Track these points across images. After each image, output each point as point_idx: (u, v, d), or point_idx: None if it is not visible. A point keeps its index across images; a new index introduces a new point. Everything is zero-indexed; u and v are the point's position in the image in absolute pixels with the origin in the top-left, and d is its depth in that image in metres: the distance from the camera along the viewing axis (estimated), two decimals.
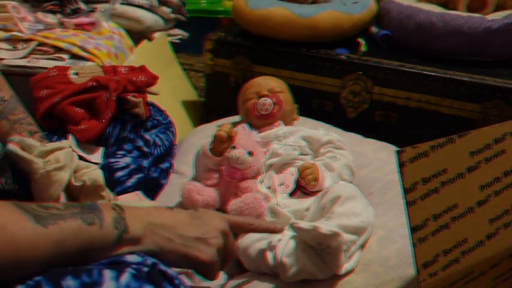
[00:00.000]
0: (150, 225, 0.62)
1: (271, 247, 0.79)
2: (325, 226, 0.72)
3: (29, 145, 0.83)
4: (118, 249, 0.60)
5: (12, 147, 0.82)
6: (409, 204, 0.57)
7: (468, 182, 0.61)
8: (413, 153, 0.57)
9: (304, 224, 0.73)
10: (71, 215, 0.56)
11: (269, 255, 0.78)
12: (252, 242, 0.82)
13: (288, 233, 0.80)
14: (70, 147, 0.90)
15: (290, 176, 0.96)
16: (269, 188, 0.94)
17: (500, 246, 0.63)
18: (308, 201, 0.90)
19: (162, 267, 0.59)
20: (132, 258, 0.58)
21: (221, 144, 0.97)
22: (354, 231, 0.78)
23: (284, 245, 0.77)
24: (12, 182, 0.82)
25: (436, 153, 0.58)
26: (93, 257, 0.57)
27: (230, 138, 0.97)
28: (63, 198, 0.83)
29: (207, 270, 0.67)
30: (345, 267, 0.76)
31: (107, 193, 0.88)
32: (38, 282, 0.50)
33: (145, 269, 0.57)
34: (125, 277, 0.53)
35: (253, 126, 1.10)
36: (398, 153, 0.56)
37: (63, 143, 0.88)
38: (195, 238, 0.64)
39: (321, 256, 0.75)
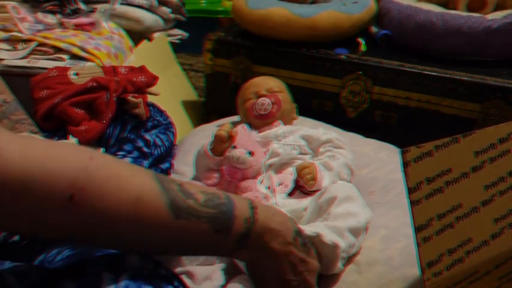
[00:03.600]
0: (265, 247, 0.61)
1: None
2: (328, 235, 0.72)
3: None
4: (230, 255, 0.61)
5: None
6: (413, 203, 0.57)
7: (473, 181, 0.61)
8: (418, 153, 0.57)
9: (307, 230, 0.73)
10: (205, 215, 0.54)
11: None
12: None
13: None
14: None
15: (289, 175, 0.95)
16: (268, 188, 0.94)
17: (505, 245, 0.63)
18: (306, 201, 0.90)
19: (162, 270, 0.59)
20: (131, 262, 0.58)
21: (221, 144, 0.96)
22: (351, 232, 0.78)
23: None
24: None
25: (441, 152, 0.58)
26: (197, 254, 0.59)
27: (230, 138, 0.97)
28: None
29: None
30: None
31: None
32: (36, 283, 0.50)
33: (144, 272, 0.56)
34: (124, 279, 0.53)
35: (252, 126, 1.10)
36: (403, 152, 0.56)
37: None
38: (285, 280, 0.64)
39: None
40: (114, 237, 0.51)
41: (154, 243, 0.54)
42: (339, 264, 0.75)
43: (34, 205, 0.45)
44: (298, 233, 0.66)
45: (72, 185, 0.45)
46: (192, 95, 1.77)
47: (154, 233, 0.52)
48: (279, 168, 0.97)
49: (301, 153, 1.00)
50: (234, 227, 0.57)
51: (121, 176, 0.50)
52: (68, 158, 0.47)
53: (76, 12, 1.43)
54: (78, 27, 1.42)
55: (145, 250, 0.55)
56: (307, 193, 0.92)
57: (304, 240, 0.66)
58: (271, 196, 0.91)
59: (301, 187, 0.93)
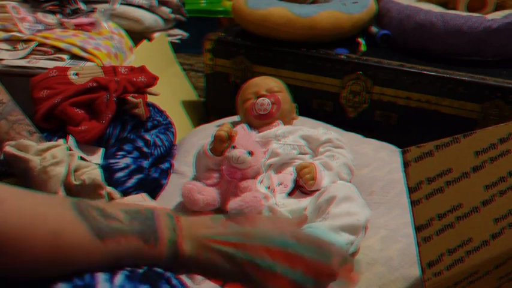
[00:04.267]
0: (201, 245, 0.59)
1: None
2: (324, 237, 0.72)
3: (26, 145, 0.85)
4: (169, 268, 0.58)
5: (9, 148, 0.83)
6: (413, 203, 0.57)
7: (473, 181, 0.61)
8: (418, 153, 0.57)
9: None
10: (130, 229, 0.54)
11: None
12: None
13: None
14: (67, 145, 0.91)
15: (289, 175, 0.96)
16: (268, 187, 0.94)
17: (505, 245, 0.63)
18: (306, 201, 0.90)
19: (160, 269, 0.59)
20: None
21: (221, 144, 0.96)
22: (349, 230, 0.78)
23: None
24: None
25: (441, 152, 0.58)
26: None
27: (230, 138, 0.97)
28: (62, 195, 0.83)
29: None
30: None
31: (108, 192, 0.88)
32: (28, 287, 0.49)
33: (140, 270, 0.56)
34: (119, 278, 0.52)
35: (252, 126, 1.10)
36: (403, 152, 0.56)
37: (59, 142, 0.90)
38: (236, 258, 0.60)
39: None
40: (42, 274, 0.50)
41: (89, 268, 0.52)
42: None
43: None
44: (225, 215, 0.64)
45: None
46: (192, 95, 1.77)
47: (84, 260, 0.51)
48: (279, 168, 0.97)
49: (300, 153, 1.00)
50: (161, 235, 0.56)
51: (35, 215, 0.49)
52: None
53: (76, 12, 1.43)
54: (78, 27, 1.41)
55: (82, 273, 0.53)
56: (306, 193, 0.92)
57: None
58: (271, 196, 0.91)
59: (301, 187, 0.93)
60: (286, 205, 0.90)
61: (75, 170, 0.88)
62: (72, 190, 0.85)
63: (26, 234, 0.47)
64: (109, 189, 0.90)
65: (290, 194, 0.93)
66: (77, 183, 0.85)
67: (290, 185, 0.94)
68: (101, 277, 0.51)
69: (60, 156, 0.85)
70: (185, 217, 0.62)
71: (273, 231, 0.61)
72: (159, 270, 0.58)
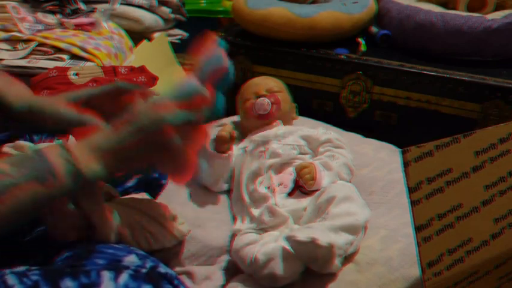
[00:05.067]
0: (98, 152, 0.58)
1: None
2: (323, 237, 0.72)
3: (22, 146, 0.86)
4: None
5: (6, 149, 0.84)
6: (413, 203, 0.57)
7: (473, 181, 0.61)
8: (418, 153, 0.57)
9: (301, 237, 0.73)
10: (24, 179, 0.52)
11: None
12: (242, 245, 0.83)
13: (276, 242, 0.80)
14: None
15: (289, 175, 0.95)
16: (268, 188, 0.94)
17: (505, 245, 0.63)
18: (306, 201, 0.90)
19: (162, 269, 0.59)
20: (131, 261, 0.59)
21: (223, 145, 0.97)
22: (349, 230, 0.78)
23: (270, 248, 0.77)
24: None
25: (441, 152, 0.58)
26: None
27: (232, 138, 0.97)
28: None
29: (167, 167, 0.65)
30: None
31: (104, 191, 0.89)
32: (36, 283, 0.50)
33: (144, 270, 0.57)
34: (123, 278, 0.54)
35: (252, 126, 1.10)
36: (403, 152, 0.56)
37: (56, 142, 0.90)
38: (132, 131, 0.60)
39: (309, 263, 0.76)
40: None
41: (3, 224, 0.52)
42: (337, 263, 0.75)
43: None
44: None
45: None
46: None
47: None
48: (279, 168, 0.98)
49: (300, 153, 1.00)
50: (56, 168, 0.55)
51: None
52: None
53: (76, 12, 1.43)
54: (78, 27, 1.42)
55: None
56: (306, 193, 0.92)
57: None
58: (271, 196, 0.91)
59: (301, 187, 0.93)
60: (286, 205, 0.90)
61: None
62: None
63: None
64: (106, 187, 0.90)
65: (290, 194, 0.93)
66: None
67: (290, 185, 0.94)
68: (106, 276, 0.53)
69: None
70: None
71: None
72: (162, 270, 0.59)
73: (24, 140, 0.97)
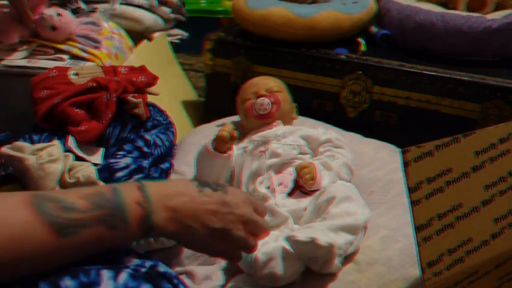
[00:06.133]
0: (175, 215, 0.60)
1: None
2: (323, 237, 0.72)
3: (21, 146, 0.87)
4: (144, 239, 0.64)
5: (5, 150, 0.84)
6: (413, 203, 0.57)
7: (473, 181, 0.61)
8: (418, 153, 0.57)
9: (301, 237, 0.73)
10: (93, 220, 0.52)
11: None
12: None
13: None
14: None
15: (289, 175, 0.95)
16: (268, 188, 0.94)
17: (505, 245, 0.63)
18: (306, 201, 0.90)
19: (161, 268, 0.60)
20: (130, 260, 0.59)
21: (224, 144, 0.97)
22: (349, 230, 0.78)
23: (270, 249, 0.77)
24: None
25: (441, 152, 0.58)
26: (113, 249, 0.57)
27: (232, 138, 0.97)
28: None
29: (229, 258, 0.73)
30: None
31: None
32: (36, 283, 0.50)
33: (144, 269, 0.57)
34: (123, 277, 0.54)
35: (252, 126, 1.10)
36: (403, 152, 0.56)
37: (54, 142, 0.92)
38: (215, 229, 0.63)
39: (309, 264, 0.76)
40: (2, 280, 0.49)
41: (56, 264, 0.52)
42: (337, 263, 0.75)
43: None
44: (203, 183, 0.66)
45: None
46: (192, 95, 1.77)
47: (48, 260, 0.51)
48: (279, 168, 0.98)
49: (300, 153, 1.00)
50: (131, 215, 0.55)
51: None
52: None
53: (76, 12, 1.43)
54: None
55: (51, 270, 0.53)
56: (306, 193, 0.92)
57: (213, 186, 0.67)
58: (271, 196, 0.91)
59: (301, 187, 0.93)
60: (286, 205, 0.90)
61: (70, 169, 0.89)
62: (67, 188, 0.86)
63: None
64: None
65: (290, 194, 0.93)
66: (71, 181, 0.87)
67: (290, 185, 0.94)
68: (105, 275, 0.53)
69: (56, 154, 0.86)
70: (156, 184, 0.62)
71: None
72: (161, 270, 0.59)
73: (24, 141, 0.98)
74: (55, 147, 0.89)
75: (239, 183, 0.98)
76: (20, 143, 0.88)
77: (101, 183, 0.90)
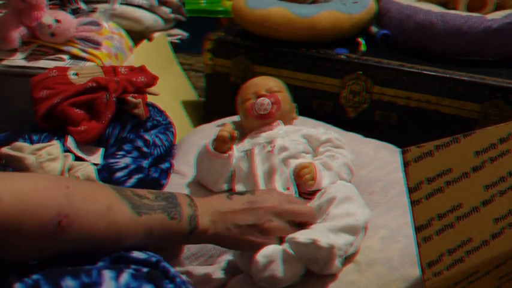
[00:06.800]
0: (213, 217, 0.71)
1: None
2: (323, 238, 0.72)
3: (21, 146, 0.87)
4: (188, 241, 0.72)
5: (4, 150, 0.84)
6: (413, 203, 0.57)
7: (473, 181, 0.61)
8: (418, 153, 0.57)
9: (302, 238, 0.73)
10: (159, 207, 0.65)
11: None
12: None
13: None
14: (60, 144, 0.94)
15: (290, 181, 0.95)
16: (287, 189, 0.92)
17: (505, 245, 0.63)
18: (309, 203, 0.90)
19: (166, 265, 0.61)
20: (137, 255, 0.61)
21: (224, 144, 0.97)
22: (349, 230, 0.78)
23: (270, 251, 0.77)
24: None
25: (441, 152, 0.58)
26: (168, 246, 0.74)
27: (232, 138, 0.97)
28: None
29: None
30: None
31: None
32: (37, 282, 0.50)
33: (145, 269, 0.57)
34: (124, 277, 0.54)
35: (252, 126, 1.10)
36: (403, 152, 0.56)
37: (53, 142, 0.93)
38: (248, 226, 0.73)
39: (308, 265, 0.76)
40: (96, 244, 0.59)
41: (129, 239, 0.61)
42: (337, 263, 0.75)
43: (29, 236, 0.52)
44: (231, 193, 0.80)
45: (58, 212, 0.53)
46: (192, 95, 1.77)
47: (126, 232, 0.61)
48: (289, 162, 0.96)
49: (305, 150, 1.00)
50: (183, 212, 0.68)
51: (91, 195, 0.59)
52: (51, 190, 0.55)
53: (76, 12, 1.43)
54: None
55: (122, 247, 0.62)
56: (308, 198, 0.91)
57: (241, 192, 0.78)
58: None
59: (303, 193, 0.92)
60: None
61: (69, 169, 0.90)
62: None
63: (89, 213, 0.57)
64: None
65: (300, 195, 0.93)
66: None
67: (293, 189, 0.93)
68: (107, 275, 0.53)
69: (55, 154, 0.87)
70: (200, 198, 0.74)
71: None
72: (163, 269, 0.59)
73: (23, 141, 0.98)
74: (54, 146, 0.89)
75: (254, 186, 0.95)
76: (19, 143, 0.88)
77: (100, 183, 0.90)
